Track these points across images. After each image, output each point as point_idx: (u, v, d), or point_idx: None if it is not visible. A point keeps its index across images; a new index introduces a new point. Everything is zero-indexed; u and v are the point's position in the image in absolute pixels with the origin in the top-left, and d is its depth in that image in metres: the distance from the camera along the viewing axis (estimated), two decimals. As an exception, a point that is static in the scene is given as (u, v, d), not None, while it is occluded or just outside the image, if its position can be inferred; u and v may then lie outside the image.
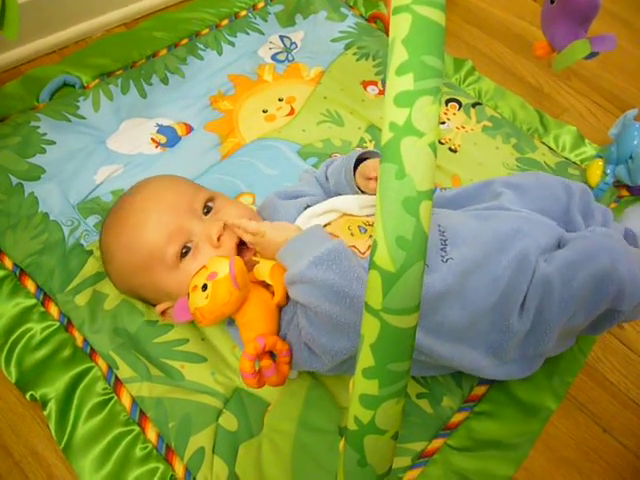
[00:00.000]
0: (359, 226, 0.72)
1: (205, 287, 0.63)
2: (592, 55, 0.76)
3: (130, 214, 0.73)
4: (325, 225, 0.73)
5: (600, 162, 1.00)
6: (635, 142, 0.95)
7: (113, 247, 0.74)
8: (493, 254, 0.68)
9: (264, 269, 0.68)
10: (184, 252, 0.71)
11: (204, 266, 0.66)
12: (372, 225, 0.72)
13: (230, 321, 0.71)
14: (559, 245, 0.73)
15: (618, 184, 1.04)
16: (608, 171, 1.00)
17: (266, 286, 0.69)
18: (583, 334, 0.75)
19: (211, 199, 0.76)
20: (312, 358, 0.66)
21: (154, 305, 0.75)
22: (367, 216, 0.74)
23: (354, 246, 0.70)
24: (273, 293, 0.67)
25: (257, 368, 0.64)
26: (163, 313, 0.74)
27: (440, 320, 0.66)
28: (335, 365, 0.67)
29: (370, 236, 0.71)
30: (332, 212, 0.74)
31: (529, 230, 0.71)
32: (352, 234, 0.71)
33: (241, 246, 0.73)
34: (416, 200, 0.35)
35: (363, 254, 0.69)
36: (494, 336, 0.68)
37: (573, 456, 0.76)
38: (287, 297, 0.68)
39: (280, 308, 0.69)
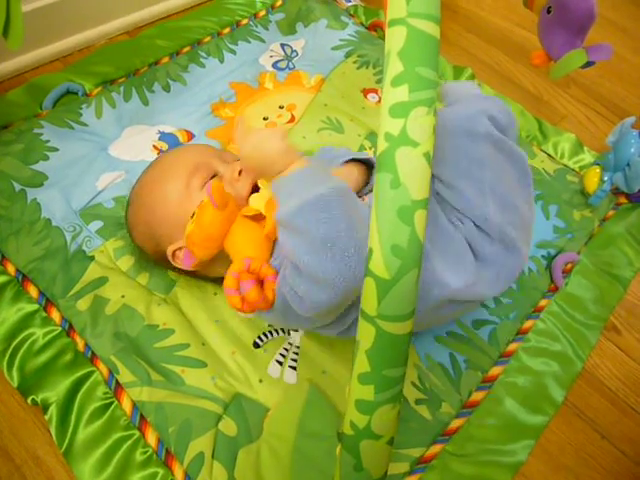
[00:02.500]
0: None
1: (193, 215, 0.68)
2: (588, 64, 0.77)
3: (163, 159, 0.81)
4: None
5: (597, 169, 1.01)
6: (632, 150, 0.95)
7: (143, 182, 0.79)
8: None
9: (260, 199, 0.69)
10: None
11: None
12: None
13: None
14: None
15: (617, 191, 1.04)
16: (605, 178, 1.00)
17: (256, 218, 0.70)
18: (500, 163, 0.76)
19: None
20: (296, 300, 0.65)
21: (167, 263, 0.77)
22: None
23: None
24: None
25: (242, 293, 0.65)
26: (174, 255, 0.76)
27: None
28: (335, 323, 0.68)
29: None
30: None
31: None
32: None
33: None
34: (411, 209, 0.36)
35: None
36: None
37: (571, 462, 0.77)
38: None
39: (272, 241, 0.70)
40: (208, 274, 0.79)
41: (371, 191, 0.82)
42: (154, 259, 0.81)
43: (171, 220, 0.74)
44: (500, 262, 0.73)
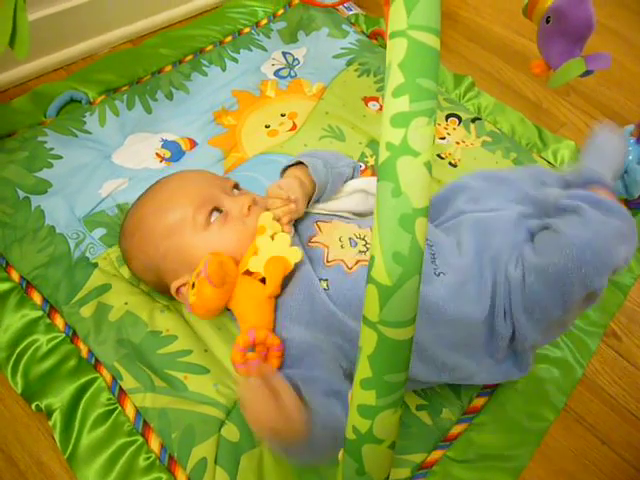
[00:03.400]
0: (350, 238, 0.73)
1: (194, 285, 0.68)
2: (587, 73, 0.78)
3: (163, 188, 0.78)
4: (317, 223, 0.75)
5: (597, 177, 1.01)
6: (630, 157, 0.96)
7: (143, 212, 0.77)
8: (474, 265, 0.71)
9: (259, 261, 0.69)
10: (214, 218, 0.74)
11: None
12: (362, 239, 0.73)
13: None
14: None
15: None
16: (605, 185, 1.01)
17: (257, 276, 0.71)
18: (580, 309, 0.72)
19: (238, 185, 0.80)
20: None
21: (167, 293, 0.77)
22: (359, 227, 0.75)
23: (342, 260, 0.71)
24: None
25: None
26: (178, 292, 0.75)
27: (439, 333, 0.67)
28: None
29: (360, 251, 0.72)
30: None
31: (495, 229, 0.74)
32: (342, 246, 0.72)
33: None
34: (412, 217, 0.37)
35: (350, 269, 0.70)
36: (486, 340, 0.71)
37: (571, 468, 0.77)
38: (280, 287, 0.69)
39: (275, 298, 0.70)
40: None
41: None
42: (151, 287, 0.82)
43: (176, 255, 0.74)
44: (509, 364, 0.74)
